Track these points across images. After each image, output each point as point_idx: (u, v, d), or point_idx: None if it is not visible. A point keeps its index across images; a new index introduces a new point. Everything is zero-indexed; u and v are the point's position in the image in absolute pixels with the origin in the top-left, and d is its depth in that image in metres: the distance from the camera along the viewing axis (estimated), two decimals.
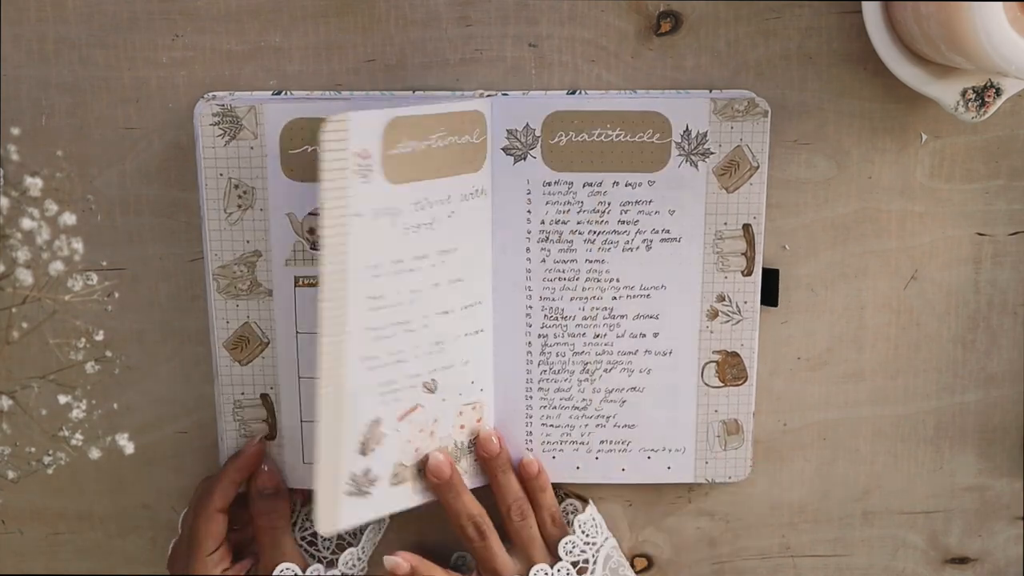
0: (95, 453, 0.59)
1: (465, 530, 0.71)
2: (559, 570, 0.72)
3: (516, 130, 0.69)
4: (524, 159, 0.69)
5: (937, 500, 0.77)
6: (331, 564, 0.73)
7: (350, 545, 0.75)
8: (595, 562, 0.73)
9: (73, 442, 0.59)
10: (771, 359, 0.74)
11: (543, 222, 0.70)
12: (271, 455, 0.73)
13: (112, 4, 0.68)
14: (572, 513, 0.76)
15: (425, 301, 0.68)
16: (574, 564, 0.72)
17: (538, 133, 0.69)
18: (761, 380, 0.74)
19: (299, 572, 0.70)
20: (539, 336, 0.72)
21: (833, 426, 0.76)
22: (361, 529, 0.75)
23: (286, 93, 0.70)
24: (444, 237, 0.68)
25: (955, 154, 0.72)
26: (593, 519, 0.74)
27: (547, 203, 0.70)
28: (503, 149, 0.69)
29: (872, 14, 0.65)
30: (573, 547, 0.73)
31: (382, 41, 0.69)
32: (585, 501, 0.77)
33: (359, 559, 0.73)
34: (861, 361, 0.75)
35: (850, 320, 0.74)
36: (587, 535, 0.73)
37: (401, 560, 0.70)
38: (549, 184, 0.70)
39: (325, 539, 0.75)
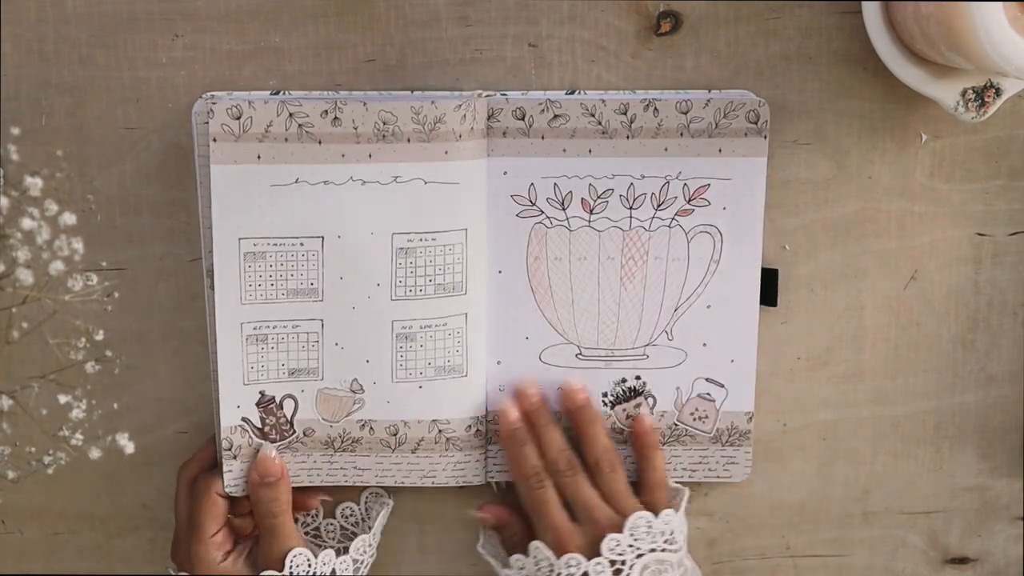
0: (95, 453, 0.59)
1: (558, 462, 0.71)
2: (660, 523, 0.70)
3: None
4: None
5: (937, 500, 0.77)
6: (339, 552, 0.73)
7: (354, 535, 0.75)
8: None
9: (73, 442, 0.59)
10: (771, 359, 0.74)
11: None
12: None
13: (112, 4, 0.68)
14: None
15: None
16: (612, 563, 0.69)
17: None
18: (761, 380, 0.74)
19: (311, 558, 0.70)
20: None
21: (833, 426, 0.76)
22: (370, 516, 0.75)
23: (285, 93, 0.70)
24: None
25: (955, 154, 0.72)
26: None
27: None
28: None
29: (872, 14, 0.64)
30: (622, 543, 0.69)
31: (382, 41, 0.69)
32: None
33: (370, 545, 0.73)
34: (861, 361, 0.75)
35: (850, 320, 0.74)
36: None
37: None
38: None
39: (330, 531, 0.76)
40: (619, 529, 0.69)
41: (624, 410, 0.74)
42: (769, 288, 0.72)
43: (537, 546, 0.70)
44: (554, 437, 0.72)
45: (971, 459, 0.77)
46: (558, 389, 0.73)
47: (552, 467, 0.71)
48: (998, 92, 0.67)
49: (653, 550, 0.69)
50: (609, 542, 0.68)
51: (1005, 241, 0.73)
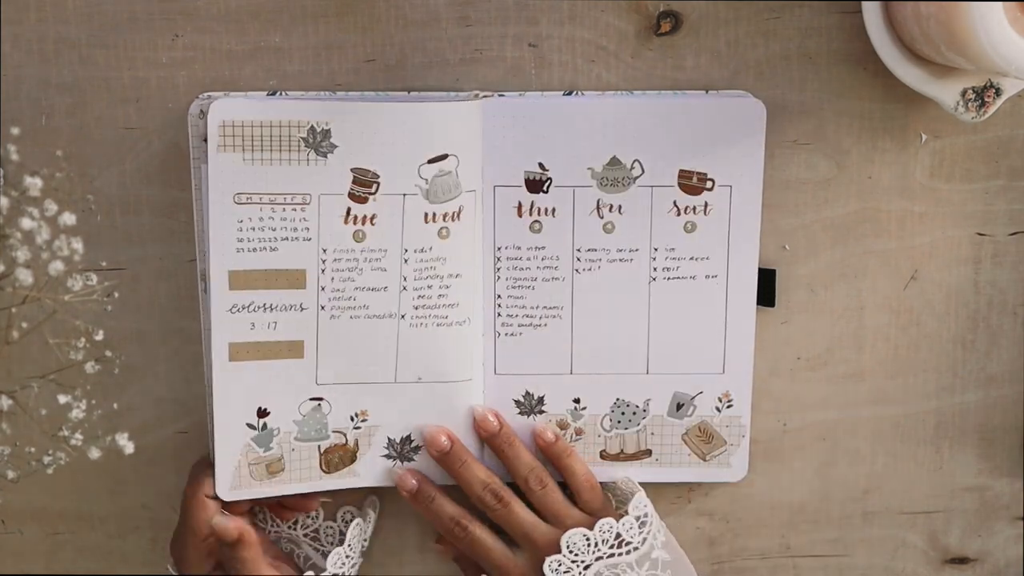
0: (95, 453, 0.59)
1: (483, 499, 0.71)
2: (598, 533, 0.70)
3: None
4: None
5: (937, 500, 0.77)
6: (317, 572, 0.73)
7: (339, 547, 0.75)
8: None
9: (73, 442, 0.59)
10: (771, 359, 0.74)
11: None
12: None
13: (112, 4, 0.68)
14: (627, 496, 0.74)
15: None
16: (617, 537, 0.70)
17: None
18: (761, 380, 0.74)
19: None
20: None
21: (833, 426, 0.76)
22: (343, 528, 0.75)
23: (281, 94, 0.69)
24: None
25: (955, 154, 0.72)
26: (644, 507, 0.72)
27: None
28: None
29: (872, 14, 0.64)
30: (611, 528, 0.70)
31: (382, 41, 0.69)
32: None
33: (347, 557, 0.73)
34: (861, 361, 0.75)
35: (850, 320, 0.74)
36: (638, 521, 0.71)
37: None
38: None
39: (328, 534, 0.76)
40: (558, 547, 0.70)
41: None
42: (766, 288, 0.72)
43: None
44: (471, 476, 0.72)
45: (971, 459, 0.77)
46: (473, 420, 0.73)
47: (480, 505, 0.72)
48: (998, 92, 0.67)
49: (600, 558, 0.70)
50: (551, 563, 0.69)
51: (1005, 241, 0.73)
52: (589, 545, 0.70)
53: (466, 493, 0.72)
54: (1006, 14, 0.59)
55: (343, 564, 0.73)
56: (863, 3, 0.64)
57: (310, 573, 0.72)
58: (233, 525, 0.70)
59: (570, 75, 0.70)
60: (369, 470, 0.73)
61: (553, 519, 0.71)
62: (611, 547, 0.70)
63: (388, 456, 0.73)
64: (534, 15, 0.69)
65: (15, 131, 0.58)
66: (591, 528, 0.70)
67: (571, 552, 0.70)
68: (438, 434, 0.72)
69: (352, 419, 0.72)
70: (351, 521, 0.75)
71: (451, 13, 0.69)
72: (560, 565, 0.69)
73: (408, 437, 0.72)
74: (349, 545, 0.73)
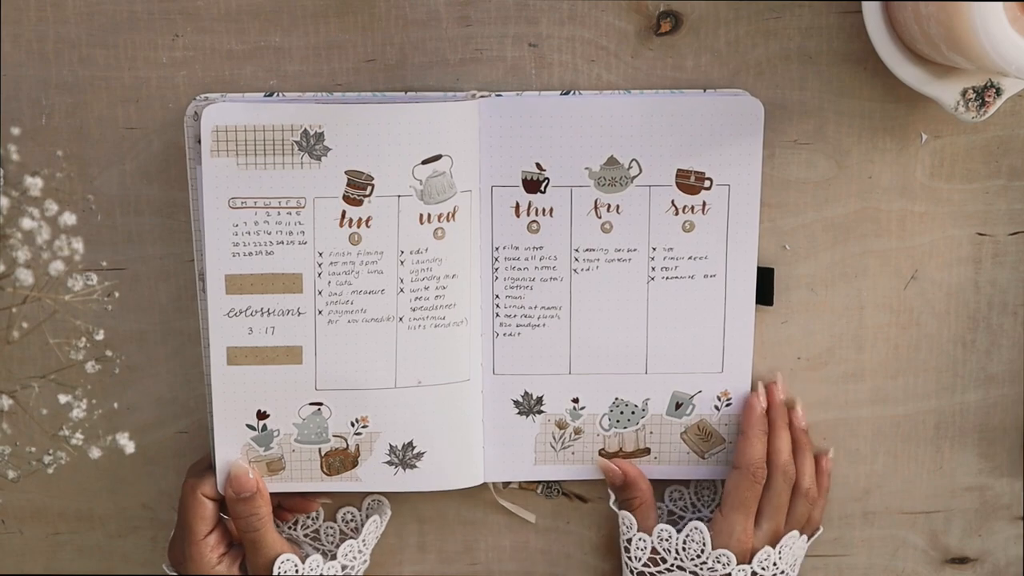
0: (95, 453, 0.59)
1: (756, 474, 0.72)
2: (776, 553, 0.72)
3: None
4: None
5: (937, 500, 0.77)
6: (328, 557, 0.73)
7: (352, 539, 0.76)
8: None
9: (73, 442, 0.59)
10: (771, 359, 0.74)
11: None
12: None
13: (112, 4, 0.68)
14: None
15: None
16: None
17: None
18: (760, 380, 0.74)
19: (299, 563, 0.70)
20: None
21: (833, 426, 0.76)
22: (344, 529, 0.75)
23: (279, 94, 0.69)
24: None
25: (955, 154, 0.72)
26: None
27: None
28: None
29: (872, 14, 0.64)
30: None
31: (382, 41, 0.69)
32: (585, 501, 0.77)
33: (359, 551, 0.73)
34: (861, 361, 0.75)
35: (850, 320, 0.74)
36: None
37: (615, 466, 0.74)
38: None
39: (328, 534, 0.76)
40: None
41: None
42: (765, 287, 0.72)
43: (664, 528, 0.72)
44: (787, 442, 0.73)
45: (971, 459, 0.77)
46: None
47: (774, 469, 0.72)
48: (998, 92, 0.67)
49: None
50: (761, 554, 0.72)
51: (1005, 241, 0.73)
52: (769, 562, 0.72)
53: (770, 451, 0.72)
54: (1006, 14, 0.59)
55: (354, 558, 0.73)
56: (863, 3, 0.64)
57: (318, 556, 0.71)
58: (254, 476, 0.70)
59: (570, 75, 0.70)
60: (371, 475, 0.73)
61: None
62: (765, 570, 0.72)
63: (390, 463, 0.73)
64: (534, 15, 0.69)
65: (15, 131, 0.58)
66: (774, 546, 0.72)
67: (760, 564, 0.71)
68: (781, 385, 0.74)
69: (352, 424, 0.72)
70: (351, 521, 0.76)
71: (451, 13, 0.69)
72: (743, 572, 0.72)
73: (410, 443, 0.72)
74: (363, 540, 0.74)
